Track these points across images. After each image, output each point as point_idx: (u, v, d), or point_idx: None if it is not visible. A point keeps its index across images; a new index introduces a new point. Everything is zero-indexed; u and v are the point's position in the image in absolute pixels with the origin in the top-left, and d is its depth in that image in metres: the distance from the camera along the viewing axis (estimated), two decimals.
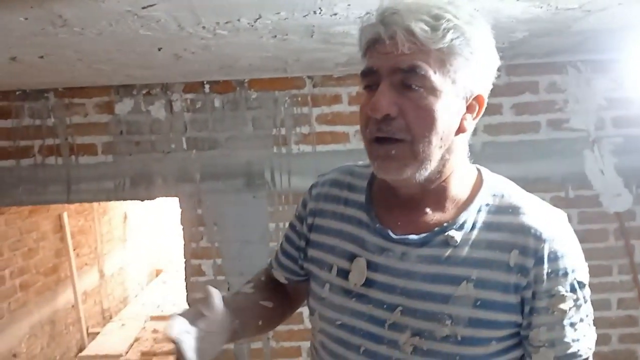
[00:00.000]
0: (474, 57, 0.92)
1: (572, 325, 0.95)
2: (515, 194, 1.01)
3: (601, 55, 2.81)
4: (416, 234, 0.99)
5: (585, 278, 0.97)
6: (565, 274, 0.94)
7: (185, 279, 3.02)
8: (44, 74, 2.36)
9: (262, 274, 1.31)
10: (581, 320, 0.96)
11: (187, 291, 3.03)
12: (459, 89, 0.93)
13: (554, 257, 0.93)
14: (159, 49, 1.90)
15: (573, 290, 0.95)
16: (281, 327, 2.63)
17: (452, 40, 0.89)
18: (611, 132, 2.97)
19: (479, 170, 1.05)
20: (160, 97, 2.96)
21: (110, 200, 3.06)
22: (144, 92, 2.95)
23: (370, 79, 0.95)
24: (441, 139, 0.93)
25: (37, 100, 2.93)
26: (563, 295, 0.94)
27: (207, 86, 2.95)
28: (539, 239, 0.94)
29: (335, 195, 1.13)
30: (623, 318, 2.97)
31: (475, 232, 0.97)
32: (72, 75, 2.48)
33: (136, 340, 4.90)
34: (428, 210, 1.00)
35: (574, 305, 0.95)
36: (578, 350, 0.95)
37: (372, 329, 1.00)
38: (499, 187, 1.02)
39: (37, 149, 2.95)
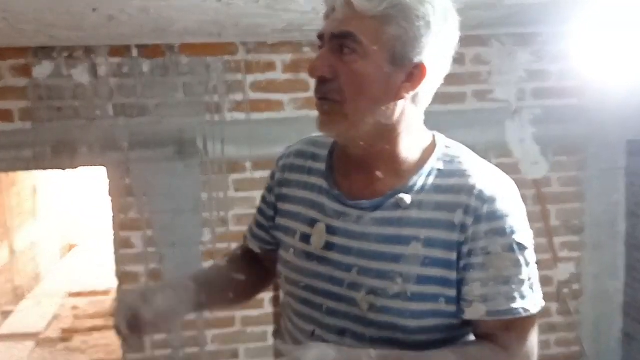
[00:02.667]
0: (411, 27, 0.95)
1: (507, 283, 0.98)
2: (465, 158, 1.05)
3: (524, 29, 2.95)
4: (369, 199, 1.04)
5: (526, 241, 1.00)
6: (504, 234, 0.98)
7: (115, 252, 2.92)
8: None
9: (239, 248, 1.36)
10: (520, 281, 0.99)
11: (116, 264, 2.93)
12: (394, 56, 0.96)
13: (493, 217, 0.98)
14: (94, 10, 1.79)
15: (511, 250, 0.98)
16: None
17: (386, 8, 0.93)
18: (531, 102, 3.13)
19: (434, 136, 1.09)
20: (83, 61, 2.80)
21: (30, 169, 2.88)
22: (65, 54, 2.77)
23: (320, 43, 1.02)
24: (372, 102, 0.98)
25: None
26: (500, 253, 0.98)
27: (135, 50, 2.81)
28: (480, 198, 0.98)
29: (300, 165, 1.18)
30: (539, 278, 3.18)
31: (424, 194, 1.02)
32: None
33: (55, 317, 4.70)
34: (379, 174, 1.05)
35: (511, 265, 0.98)
36: (512, 309, 0.98)
37: (332, 289, 1.05)
38: (451, 152, 1.06)
39: None
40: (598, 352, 3.27)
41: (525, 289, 0.99)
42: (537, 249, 3.34)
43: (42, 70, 2.77)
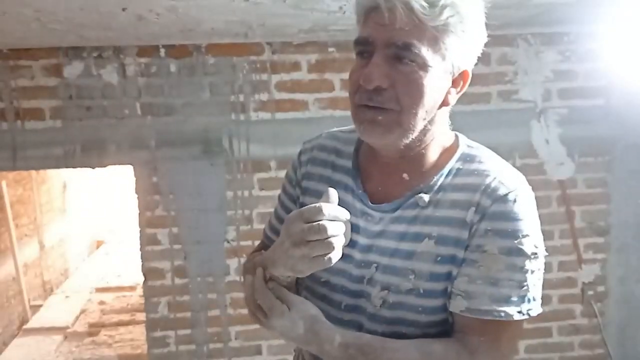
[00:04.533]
0: (465, 35, 0.95)
1: (494, 284, 0.96)
2: (486, 159, 1.04)
3: (550, 28, 2.93)
4: (391, 201, 1.05)
5: (529, 248, 0.96)
6: (505, 236, 0.96)
7: (141, 249, 2.97)
8: None
9: (259, 248, 1.32)
10: (510, 285, 0.96)
11: (142, 260, 2.98)
12: (448, 65, 0.97)
13: (498, 217, 0.96)
14: (123, 9, 1.83)
15: (508, 253, 0.96)
16: None
17: (447, 18, 0.92)
18: (557, 103, 3.10)
19: (456, 136, 1.09)
20: (112, 61, 2.86)
21: (59, 167, 2.95)
22: (94, 55, 2.84)
23: (364, 47, 0.98)
24: (426, 111, 0.98)
25: None
26: (495, 254, 0.96)
27: (162, 50, 2.86)
28: (490, 197, 0.97)
29: (323, 160, 1.18)
30: (563, 280, 3.17)
31: (442, 193, 1.02)
32: (21, 35, 2.36)
33: (82, 312, 4.80)
34: (405, 176, 1.06)
35: (504, 268, 0.96)
36: (493, 310, 0.96)
37: (352, 286, 1.06)
38: (472, 151, 1.06)
39: None
40: (623, 355, 3.22)
41: (514, 294, 0.96)
42: (562, 250, 3.30)
43: (73, 70, 2.84)
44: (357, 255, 1.06)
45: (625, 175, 3.16)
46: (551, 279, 3.15)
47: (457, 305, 0.98)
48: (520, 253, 0.96)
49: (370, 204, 1.07)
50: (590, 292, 3.18)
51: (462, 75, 1.00)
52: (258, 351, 3.05)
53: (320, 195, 1.11)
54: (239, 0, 1.77)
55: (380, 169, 1.09)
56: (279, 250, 0.96)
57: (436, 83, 0.96)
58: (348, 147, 1.16)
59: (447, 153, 1.06)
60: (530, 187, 1.02)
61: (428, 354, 0.97)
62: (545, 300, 3.15)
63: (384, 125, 0.98)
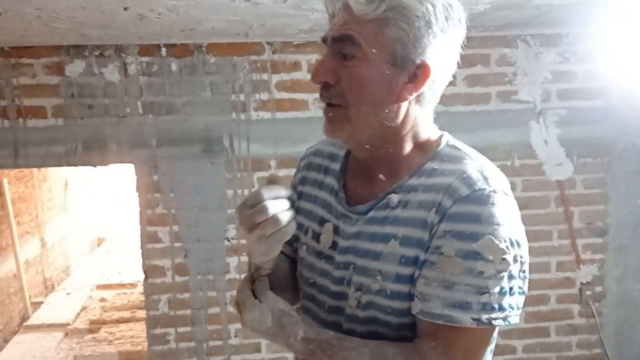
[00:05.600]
0: (410, 28, 0.94)
1: (449, 288, 0.92)
2: (462, 159, 1.00)
3: (550, 29, 2.94)
4: (366, 203, 1.05)
5: (493, 253, 0.91)
6: (463, 238, 0.92)
7: (141, 246, 2.99)
8: None
9: None
10: (466, 290, 0.92)
11: (143, 258, 3.00)
12: (395, 58, 0.95)
13: (457, 218, 0.93)
14: (125, 9, 1.85)
15: (466, 257, 0.91)
16: None
17: (384, 11, 0.93)
18: (556, 104, 3.12)
19: (441, 137, 1.06)
20: (114, 60, 2.88)
21: (61, 165, 2.96)
22: (96, 53, 2.86)
23: (326, 47, 1.02)
24: (375, 105, 0.97)
25: None
26: (451, 257, 0.92)
27: (163, 49, 2.88)
28: (452, 197, 0.94)
29: (318, 164, 1.21)
30: (561, 280, 3.18)
31: (412, 193, 1.00)
32: (22, 34, 2.38)
33: (83, 309, 4.82)
34: (382, 176, 1.05)
35: (460, 272, 0.92)
36: (445, 315, 0.92)
37: (333, 288, 1.07)
38: (452, 152, 1.02)
39: None
40: (620, 355, 3.24)
41: (472, 300, 0.91)
42: (560, 251, 3.31)
43: (74, 68, 2.85)
44: (337, 257, 1.07)
45: (623, 176, 3.17)
46: (549, 279, 3.17)
47: (414, 307, 0.96)
48: (479, 257, 0.91)
49: (347, 205, 1.08)
50: (588, 292, 3.20)
51: (421, 69, 0.96)
52: (257, 349, 3.07)
53: (314, 200, 1.17)
54: (239, 0, 1.79)
55: (361, 170, 1.09)
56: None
57: (381, 77, 0.96)
58: (341, 151, 1.17)
59: (425, 153, 1.03)
60: (510, 188, 0.99)
61: (379, 356, 0.96)
62: (544, 300, 3.19)
63: (335, 121, 1.01)
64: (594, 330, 3.21)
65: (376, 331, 1.01)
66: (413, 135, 1.04)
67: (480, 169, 0.98)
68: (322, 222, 1.12)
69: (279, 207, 0.95)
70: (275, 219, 0.94)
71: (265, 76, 2.94)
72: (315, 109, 2.96)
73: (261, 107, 2.96)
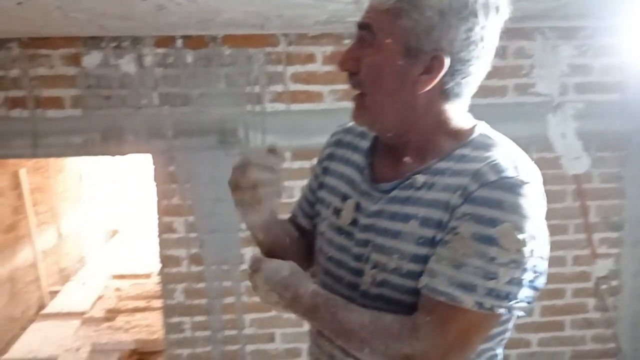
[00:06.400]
0: (422, 18, 0.94)
1: (457, 267, 0.92)
2: (495, 147, 0.99)
3: (567, 22, 2.91)
4: (390, 182, 1.07)
5: (510, 242, 0.90)
6: (482, 222, 0.91)
7: (158, 236, 3.02)
8: (13, 22, 2.27)
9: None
10: (475, 272, 0.91)
11: (159, 248, 3.03)
12: (408, 49, 0.97)
13: (479, 202, 0.92)
14: None
15: (481, 240, 0.91)
16: None
17: (397, 1, 0.95)
18: (573, 97, 3.09)
19: (475, 126, 1.06)
20: (130, 51, 2.89)
21: (80, 155, 2.99)
22: (112, 45, 2.87)
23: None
24: (389, 95, 1.00)
25: None
26: (466, 238, 0.92)
27: (179, 41, 2.89)
28: (478, 182, 0.93)
29: (348, 142, 1.23)
30: (577, 273, 3.16)
31: (439, 176, 1.00)
32: (41, 24, 2.40)
33: (99, 298, 4.87)
34: (407, 159, 1.06)
35: (472, 254, 0.91)
36: (447, 292, 0.93)
37: (352, 264, 1.09)
38: (486, 140, 1.02)
39: (1, 101, 2.85)
40: (635, 349, 3.22)
41: (478, 283, 0.91)
42: (576, 245, 3.30)
43: (91, 59, 2.87)
44: (357, 234, 1.08)
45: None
46: (565, 273, 3.15)
47: (420, 282, 0.97)
48: (495, 243, 0.90)
49: (372, 182, 1.10)
50: (604, 287, 3.18)
51: (436, 60, 0.96)
52: (271, 339, 3.09)
53: (339, 176, 1.19)
54: None
55: (389, 151, 1.11)
56: None
57: (394, 67, 0.98)
58: None
59: (456, 140, 1.03)
60: (542, 183, 0.98)
61: (377, 320, 0.99)
62: (559, 293, 3.18)
63: (357, 108, 1.06)
64: (609, 324, 3.20)
65: (392, 310, 1.02)
66: (440, 125, 1.04)
67: (513, 158, 0.97)
68: (344, 198, 1.14)
69: (259, 175, 1.04)
70: (253, 188, 1.04)
71: (280, 68, 2.94)
72: (331, 101, 2.96)
73: (276, 99, 2.96)
